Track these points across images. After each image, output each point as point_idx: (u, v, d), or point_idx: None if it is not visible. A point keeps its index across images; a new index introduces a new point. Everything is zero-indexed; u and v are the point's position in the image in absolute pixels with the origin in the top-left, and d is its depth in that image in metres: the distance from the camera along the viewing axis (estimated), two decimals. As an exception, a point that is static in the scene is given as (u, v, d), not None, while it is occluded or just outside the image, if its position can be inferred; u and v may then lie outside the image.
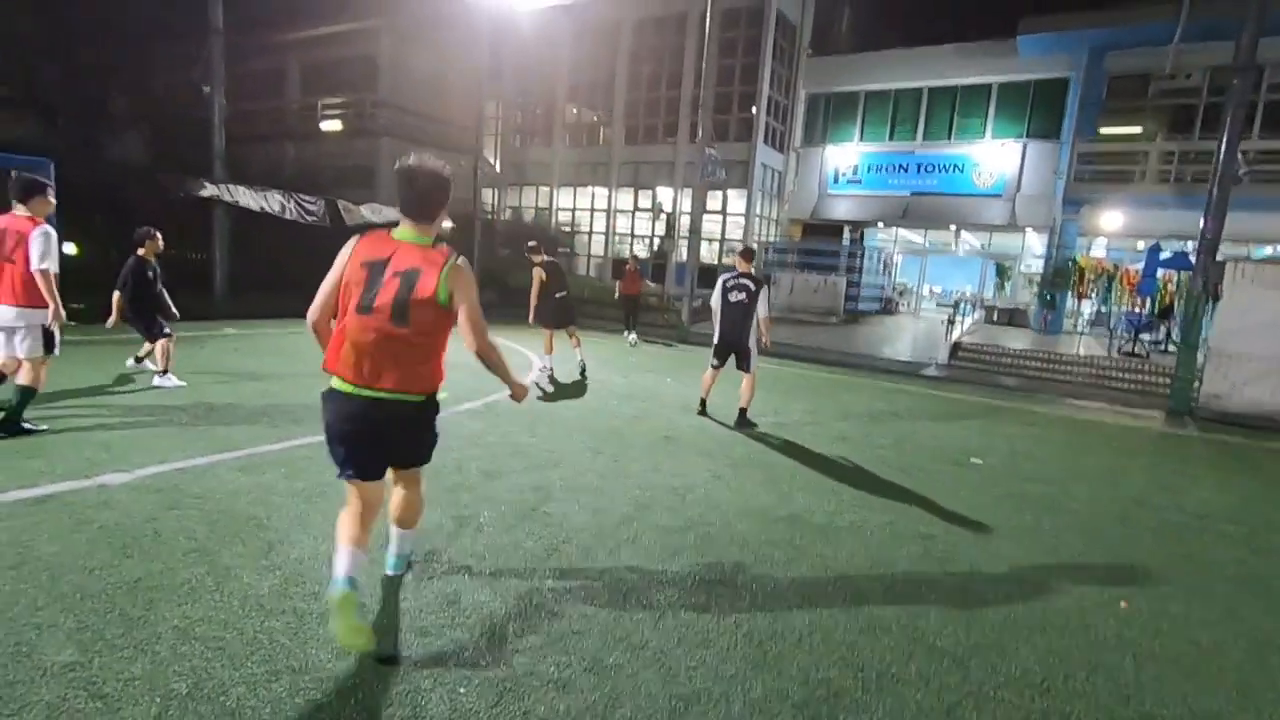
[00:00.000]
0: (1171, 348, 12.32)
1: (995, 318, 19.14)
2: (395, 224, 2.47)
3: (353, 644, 2.27)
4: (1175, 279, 13.50)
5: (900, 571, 3.47)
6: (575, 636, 2.62)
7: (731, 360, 6.49)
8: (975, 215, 19.09)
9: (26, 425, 4.47)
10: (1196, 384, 9.30)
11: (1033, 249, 20.11)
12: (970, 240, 22.24)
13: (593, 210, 23.81)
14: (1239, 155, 9.39)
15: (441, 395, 2.57)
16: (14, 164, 8.32)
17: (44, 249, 4.28)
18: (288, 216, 12.91)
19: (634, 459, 5.08)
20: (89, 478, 3.81)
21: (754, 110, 20.22)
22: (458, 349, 2.48)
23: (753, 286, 6.24)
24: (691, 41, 20.75)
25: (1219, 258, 9.36)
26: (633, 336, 12.60)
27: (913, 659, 2.67)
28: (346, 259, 2.42)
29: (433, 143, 23.64)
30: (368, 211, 14.68)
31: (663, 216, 21.99)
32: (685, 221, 20.45)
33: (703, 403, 6.74)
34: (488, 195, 23.28)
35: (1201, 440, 7.74)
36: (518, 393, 2.75)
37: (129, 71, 21.73)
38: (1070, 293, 16.94)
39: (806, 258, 20.89)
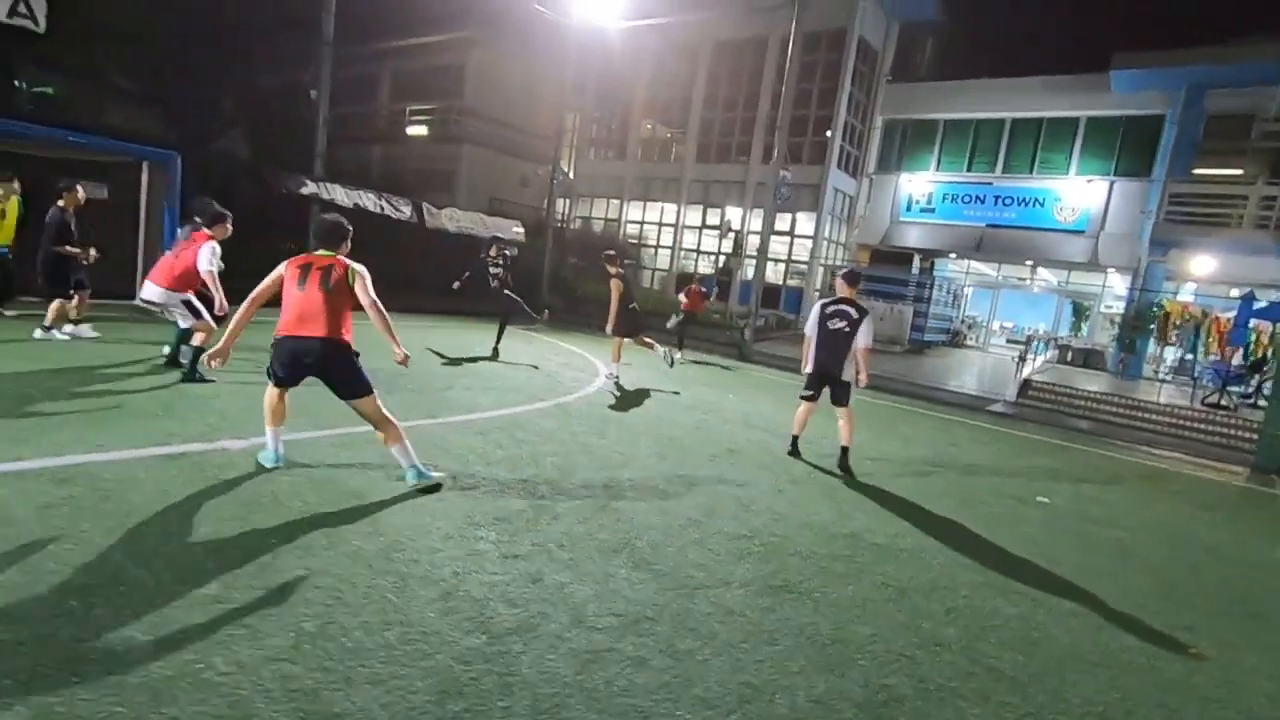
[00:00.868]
0: (1262, 402, 11.70)
1: (1069, 358, 18.47)
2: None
3: None
4: (1271, 330, 12.83)
5: (961, 596, 3.53)
6: (649, 622, 2.82)
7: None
8: (1054, 251, 18.55)
9: (200, 374, 5.67)
10: (1287, 441, 8.84)
11: (1114, 289, 19.38)
12: (1046, 276, 21.59)
13: (660, 225, 24.16)
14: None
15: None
16: (148, 155, 9.19)
17: (209, 258, 5.63)
18: (378, 215, 13.65)
19: (698, 467, 5.26)
20: (211, 441, 4.24)
21: (828, 134, 20.23)
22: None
23: (855, 314, 5.68)
24: (770, 64, 20.95)
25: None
26: (677, 354, 11.80)
27: (972, 678, 2.75)
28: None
29: (511, 151, 24.56)
30: (446, 218, 15.36)
31: (731, 235, 22.13)
32: (753, 241, 20.58)
33: (795, 441, 6.05)
34: (560, 205, 23.88)
35: (1288, 500, 7.39)
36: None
37: (237, 72, 23.35)
38: (1153, 337, 16.26)
39: (873, 284, 20.65)
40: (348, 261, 3.79)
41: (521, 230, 17.56)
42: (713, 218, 23.00)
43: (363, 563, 2.96)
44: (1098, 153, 18.17)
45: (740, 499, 4.61)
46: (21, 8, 8.30)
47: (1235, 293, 15.02)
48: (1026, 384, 12.53)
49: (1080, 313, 20.81)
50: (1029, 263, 20.03)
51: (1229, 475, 8.31)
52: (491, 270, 9.41)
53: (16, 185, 7.24)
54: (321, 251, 3.83)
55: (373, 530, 3.30)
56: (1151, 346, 16.82)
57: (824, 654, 2.77)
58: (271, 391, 3.84)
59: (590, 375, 8.93)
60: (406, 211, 14.19)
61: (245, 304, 3.73)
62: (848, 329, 5.68)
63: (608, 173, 25.11)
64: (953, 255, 21.13)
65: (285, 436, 4.02)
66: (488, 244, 9.86)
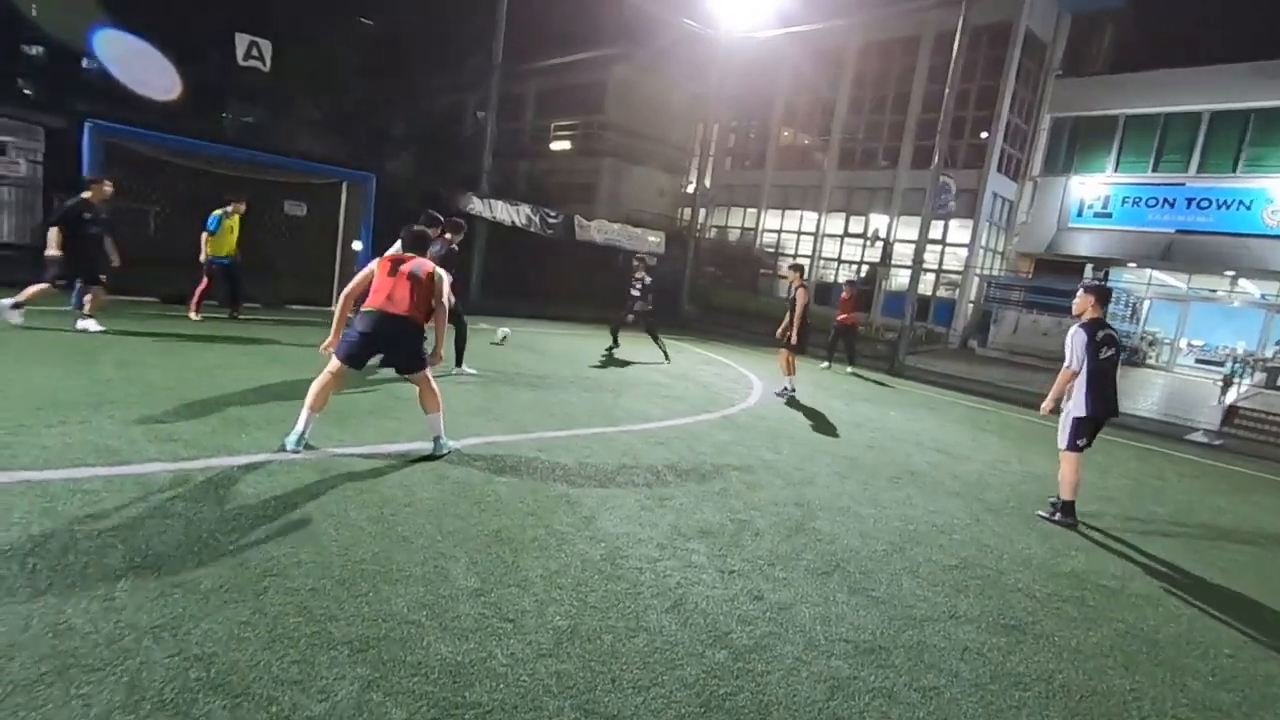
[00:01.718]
0: None
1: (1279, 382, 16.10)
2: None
3: None
4: None
5: (1226, 655, 3.15)
6: (884, 652, 2.73)
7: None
8: (1262, 260, 16.28)
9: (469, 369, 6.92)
10: None
11: (1340, 304, 16.68)
12: (1250, 289, 18.95)
13: (799, 233, 23.68)
14: None
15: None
16: (347, 176, 10.21)
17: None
18: (533, 230, 14.39)
19: (882, 489, 5.06)
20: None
21: (985, 135, 18.96)
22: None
23: (1118, 336, 4.90)
24: (922, 65, 19.98)
25: None
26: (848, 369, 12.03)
27: (1266, 752, 2.44)
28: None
29: (649, 162, 25.07)
30: (595, 230, 15.90)
31: (878, 244, 21.27)
32: (899, 250, 19.67)
33: (1071, 508, 4.83)
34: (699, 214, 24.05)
35: None
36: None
37: (404, 97, 25.54)
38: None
39: (1036, 295, 19.08)
40: (433, 265, 4.37)
41: (660, 240, 17.85)
42: (855, 225, 22.24)
43: (592, 568, 3.10)
44: (1323, 146, 15.77)
45: (939, 526, 4.38)
46: (255, 51, 9.51)
47: None
48: (1232, 410, 11.04)
49: (1292, 330, 18.06)
50: (1229, 273, 17.68)
51: None
52: (634, 292, 9.90)
53: (243, 205, 8.33)
54: (411, 254, 4.44)
55: (592, 536, 3.44)
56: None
57: (1083, 706, 2.56)
58: (327, 376, 4.07)
59: (745, 387, 8.88)
60: (559, 225, 14.85)
61: (342, 299, 4.24)
62: (1116, 355, 4.82)
63: (745, 181, 24.98)
64: (1132, 264, 19.08)
65: (491, 438, 4.30)
66: (633, 264, 10.42)
